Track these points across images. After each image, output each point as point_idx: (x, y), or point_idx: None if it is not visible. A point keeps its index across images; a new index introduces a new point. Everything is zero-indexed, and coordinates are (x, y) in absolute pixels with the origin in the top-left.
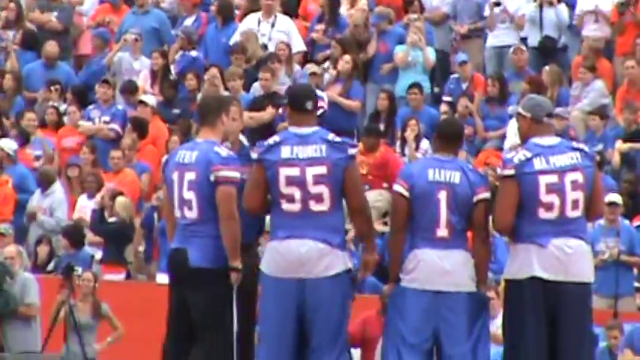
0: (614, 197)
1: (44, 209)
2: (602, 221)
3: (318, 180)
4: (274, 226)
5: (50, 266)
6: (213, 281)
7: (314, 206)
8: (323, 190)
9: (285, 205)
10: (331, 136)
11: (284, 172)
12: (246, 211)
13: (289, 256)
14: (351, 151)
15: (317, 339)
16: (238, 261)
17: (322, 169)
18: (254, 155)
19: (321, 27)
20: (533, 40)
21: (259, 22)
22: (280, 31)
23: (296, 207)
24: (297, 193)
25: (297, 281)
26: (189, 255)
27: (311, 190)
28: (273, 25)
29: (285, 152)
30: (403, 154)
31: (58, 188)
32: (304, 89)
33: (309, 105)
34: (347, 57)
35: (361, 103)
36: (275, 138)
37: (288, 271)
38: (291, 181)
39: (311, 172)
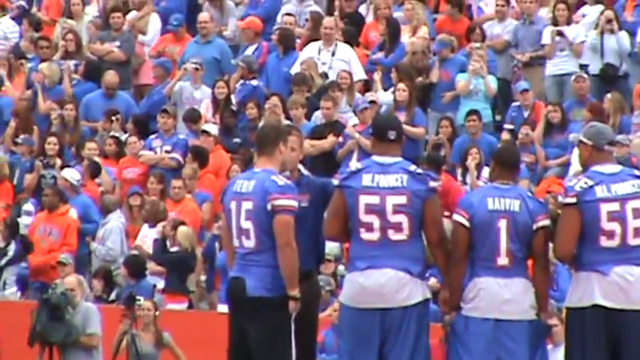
0: None
1: (100, 239)
2: None
3: (397, 209)
4: (353, 257)
5: (112, 296)
6: (271, 310)
7: (393, 235)
8: (402, 219)
9: (364, 235)
10: (413, 168)
11: (364, 199)
12: (326, 238)
13: (371, 286)
14: (432, 184)
15: None
16: (297, 290)
17: (402, 199)
18: (335, 182)
19: (381, 55)
20: (595, 67)
21: (320, 51)
22: (341, 60)
23: (375, 236)
24: (376, 222)
25: (379, 312)
26: (247, 284)
27: (390, 219)
28: (333, 54)
29: (367, 180)
30: (464, 183)
31: (114, 217)
32: (388, 119)
33: (391, 135)
34: (401, 85)
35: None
36: (357, 165)
37: (368, 301)
38: (370, 210)
39: (391, 201)
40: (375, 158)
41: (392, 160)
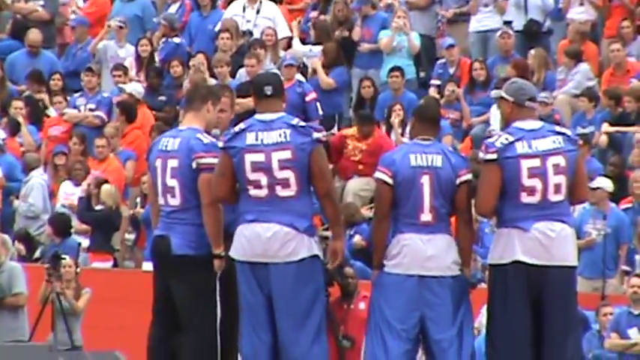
0: (602, 182)
1: (22, 196)
2: (588, 204)
3: (283, 165)
4: (242, 212)
5: (36, 254)
6: (196, 269)
7: (280, 191)
8: (289, 175)
9: (253, 191)
10: (296, 121)
11: (249, 158)
12: (215, 200)
13: (255, 239)
14: (315, 135)
15: (282, 324)
16: (221, 248)
17: (287, 154)
18: (220, 144)
19: (315, 14)
20: (518, 24)
21: (244, 9)
22: (265, 17)
23: (263, 192)
24: (263, 179)
25: (263, 265)
26: (171, 242)
27: (277, 175)
28: (258, 11)
29: (250, 138)
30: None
31: (35, 175)
32: (265, 76)
33: (268, 90)
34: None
35: (337, 86)
36: (240, 125)
37: (253, 255)
38: (257, 167)
39: (276, 157)
40: (258, 116)
41: (274, 116)
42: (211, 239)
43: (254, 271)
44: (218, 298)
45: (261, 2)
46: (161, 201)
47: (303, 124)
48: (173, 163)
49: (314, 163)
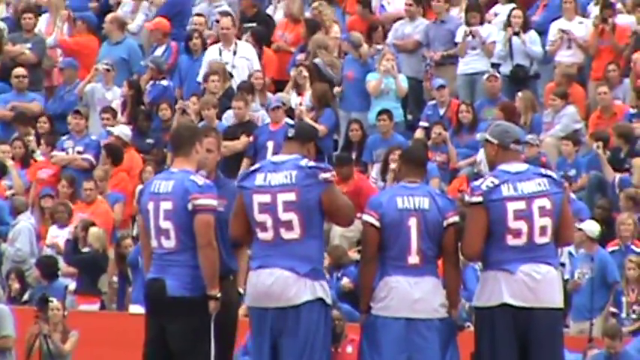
0: (590, 226)
1: (10, 240)
2: (576, 250)
3: (287, 207)
4: (252, 256)
5: (25, 297)
6: (191, 310)
7: (285, 234)
8: (292, 217)
9: (260, 234)
10: (304, 162)
11: (257, 198)
12: (233, 239)
13: (260, 286)
14: (323, 175)
15: None
16: (217, 290)
17: (292, 196)
18: (236, 182)
19: (302, 57)
20: (505, 68)
21: (220, 52)
22: (243, 57)
23: (269, 235)
24: (268, 221)
25: (271, 310)
26: (167, 284)
27: (281, 217)
28: (234, 53)
29: (260, 179)
30: (384, 180)
31: (23, 218)
32: (298, 122)
33: (290, 132)
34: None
35: (328, 130)
36: (256, 166)
37: (259, 301)
38: (263, 209)
39: (281, 198)
40: (272, 157)
41: (286, 157)
42: (207, 280)
43: (260, 317)
44: (212, 341)
45: (236, 44)
46: (154, 244)
47: (311, 164)
48: (166, 205)
49: (326, 205)
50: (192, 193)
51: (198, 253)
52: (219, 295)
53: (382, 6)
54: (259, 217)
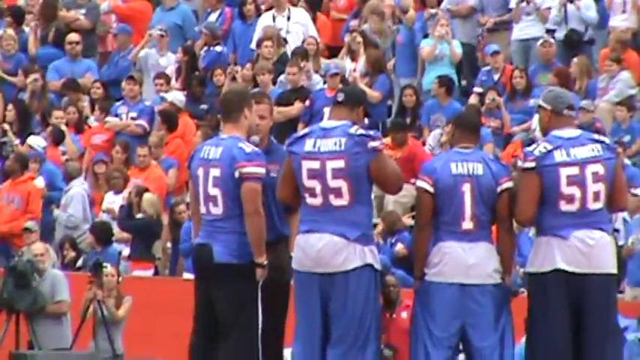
0: None
1: (63, 205)
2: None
3: (336, 174)
4: (300, 220)
5: (79, 263)
6: (237, 277)
7: (334, 200)
8: (341, 184)
9: (309, 200)
10: (354, 129)
11: (306, 165)
12: (279, 201)
13: (309, 250)
14: (372, 144)
15: (335, 334)
16: (263, 257)
17: (340, 163)
18: (285, 146)
19: (356, 23)
20: (560, 33)
21: (274, 18)
22: (297, 23)
23: (318, 201)
24: (317, 187)
25: (318, 276)
26: (213, 250)
27: (330, 184)
28: (288, 19)
29: (309, 145)
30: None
31: (76, 184)
32: (348, 86)
33: (339, 97)
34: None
35: (383, 96)
36: (304, 130)
37: (308, 265)
38: (312, 175)
39: (330, 165)
40: (322, 123)
41: (335, 123)
42: (253, 248)
43: (309, 281)
44: (260, 307)
45: (290, 10)
46: (203, 210)
47: (361, 132)
48: (215, 172)
49: (374, 173)
50: (239, 161)
51: (245, 221)
52: (265, 262)
53: None
54: (308, 182)
